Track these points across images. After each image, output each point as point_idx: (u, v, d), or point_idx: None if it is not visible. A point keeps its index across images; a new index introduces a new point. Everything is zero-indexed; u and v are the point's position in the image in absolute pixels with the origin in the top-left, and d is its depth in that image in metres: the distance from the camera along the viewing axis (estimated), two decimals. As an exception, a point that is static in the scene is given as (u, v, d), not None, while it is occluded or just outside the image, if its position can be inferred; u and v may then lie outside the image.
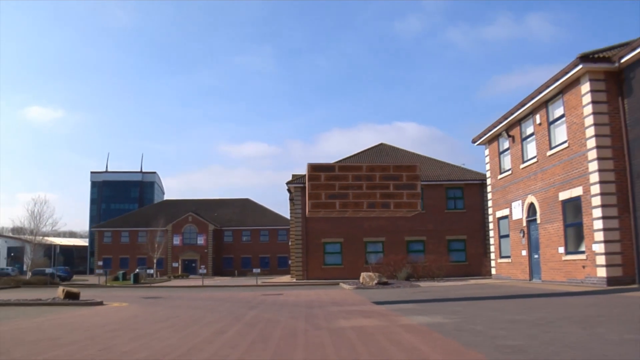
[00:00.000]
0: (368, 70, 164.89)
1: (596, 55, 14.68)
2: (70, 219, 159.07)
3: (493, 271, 22.47)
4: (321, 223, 33.67)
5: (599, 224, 14.29)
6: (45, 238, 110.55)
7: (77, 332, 7.50)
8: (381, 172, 9.43)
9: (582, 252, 15.21)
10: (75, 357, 5.16)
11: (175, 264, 69.55)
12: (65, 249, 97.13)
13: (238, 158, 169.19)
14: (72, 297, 13.06)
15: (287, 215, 53.34)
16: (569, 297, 11.31)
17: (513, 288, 15.77)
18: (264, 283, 29.96)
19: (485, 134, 22.20)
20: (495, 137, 21.63)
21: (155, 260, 52.09)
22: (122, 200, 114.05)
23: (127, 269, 58.66)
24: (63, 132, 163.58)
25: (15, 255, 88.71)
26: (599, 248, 14.27)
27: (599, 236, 14.26)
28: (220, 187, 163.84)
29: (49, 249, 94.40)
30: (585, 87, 14.82)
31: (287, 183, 37.41)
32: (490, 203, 22.76)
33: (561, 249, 16.38)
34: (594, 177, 14.50)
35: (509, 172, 20.53)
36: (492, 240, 22.71)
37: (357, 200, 9.00)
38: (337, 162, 39.84)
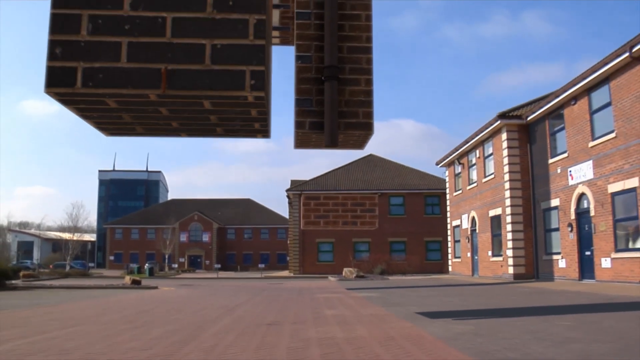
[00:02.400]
0: None
1: (510, 114, 20.38)
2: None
3: (450, 269, 28.25)
4: (315, 226, 39.48)
5: (510, 235, 20.01)
6: (54, 234, 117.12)
7: (171, 300, 13.14)
8: (352, 200, 15.28)
9: (501, 255, 20.95)
10: (192, 306, 10.75)
11: (182, 259, 75.29)
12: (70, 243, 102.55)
13: (235, 154, 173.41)
14: (136, 283, 18.74)
15: (286, 214, 59.12)
16: (473, 286, 17.02)
17: (449, 280, 21.51)
18: (267, 276, 35.67)
19: (445, 159, 27.90)
20: (452, 163, 27.34)
21: (166, 256, 57.78)
22: (128, 198, 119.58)
23: (137, 263, 64.28)
24: (60, 127, 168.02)
25: (25, 250, 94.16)
26: (510, 253, 19.99)
27: (510, 244, 19.98)
28: (219, 183, 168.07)
29: (59, 244, 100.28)
30: (504, 136, 20.50)
31: (287, 190, 43.16)
32: (448, 214, 28.50)
33: (490, 253, 22.12)
34: (508, 202, 20.21)
35: (460, 191, 26.25)
36: (449, 244, 28.46)
37: (335, 220, 14.80)
38: (330, 171, 45.61)
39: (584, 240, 16.71)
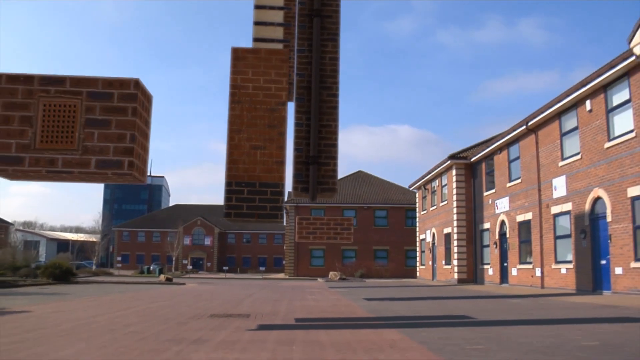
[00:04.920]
0: (361, 71, 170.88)
1: (459, 155, 26.41)
2: (74, 214, 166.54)
3: (417, 274, 34.25)
4: (308, 235, 45.53)
5: (456, 249, 26.02)
6: (58, 234, 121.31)
7: (205, 291, 19.04)
8: (334, 220, 21.02)
9: (450, 264, 26.95)
10: (223, 293, 16.61)
11: (185, 261, 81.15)
12: (76, 244, 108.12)
13: None
14: (169, 280, 24.61)
15: (282, 221, 65.13)
16: (420, 287, 22.99)
17: (411, 283, 27.49)
18: (266, 277, 41.58)
19: (416, 183, 33.94)
20: (421, 187, 33.38)
21: (174, 258, 63.64)
22: (132, 201, 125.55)
23: (143, 264, 70.02)
24: None
25: (31, 250, 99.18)
26: (456, 262, 25.99)
27: (456, 256, 25.99)
28: (214, 184, 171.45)
29: (65, 244, 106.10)
30: (453, 172, 26.52)
31: (285, 202, 49.06)
32: (417, 229, 34.52)
33: (443, 262, 28.12)
34: (455, 223, 26.22)
35: (426, 211, 32.29)
36: (417, 254, 34.46)
37: (320, 236, 20.46)
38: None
39: (503, 255, 22.71)
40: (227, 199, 8.67)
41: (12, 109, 3.25)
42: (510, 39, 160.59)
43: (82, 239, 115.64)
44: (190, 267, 59.41)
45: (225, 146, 8.34)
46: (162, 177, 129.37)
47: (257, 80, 8.76)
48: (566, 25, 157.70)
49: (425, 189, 32.04)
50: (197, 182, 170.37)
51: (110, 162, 3.36)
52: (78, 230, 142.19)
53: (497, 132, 26.26)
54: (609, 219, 15.12)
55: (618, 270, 14.58)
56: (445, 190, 28.37)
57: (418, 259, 34.25)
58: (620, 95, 14.96)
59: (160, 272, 52.13)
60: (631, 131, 14.21)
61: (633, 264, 13.92)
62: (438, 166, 28.06)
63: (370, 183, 53.13)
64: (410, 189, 35.26)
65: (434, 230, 30.28)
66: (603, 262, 15.52)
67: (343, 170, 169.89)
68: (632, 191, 14.08)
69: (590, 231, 16.16)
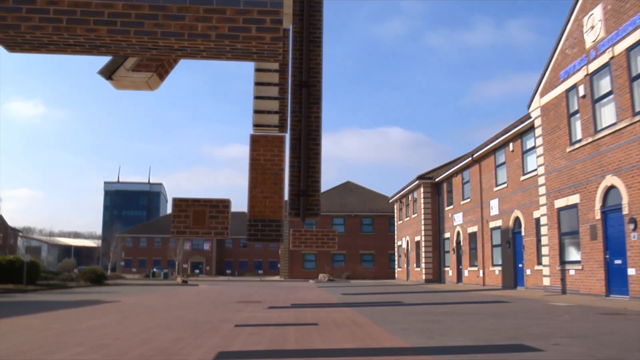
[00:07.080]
0: (351, 74, 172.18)
1: (426, 176, 31.68)
2: (67, 217, 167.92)
3: (396, 275, 39.48)
4: (301, 241, 50.69)
5: (423, 254, 31.27)
6: (57, 239, 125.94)
7: (220, 290, 24.13)
8: (322, 232, 26.06)
9: (420, 267, 32.21)
10: (236, 291, 21.68)
11: (185, 266, 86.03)
12: (76, 249, 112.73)
13: (222, 159, 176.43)
14: (185, 282, 29.62)
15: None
16: (390, 286, 28.21)
17: (387, 283, 32.73)
18: (263, 280, 46.66)
19: (394, 197, 39.19)
20: (398, 200, 38.64)
21: (177, 263, 68.57)
22: (131, 207, 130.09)
23: (146, 269, 74.85)
24: (46, 129, 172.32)
25: (35, 255, 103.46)
26: (423, 265, 31.24)
27: (424, 260, 31.24)
28: (207, 188, 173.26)
29: (65, 249, 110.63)
30: (421, 190, 31.78)
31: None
32: (395, 237, 39.77)
33: (415, 265, 33.37)
34: (422, 232, 31.47)
35: (402, 221, 37.55)
36: (395, 258, 39.69)
37: (310, 245, 25.51)
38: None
39: (459, 259, 27.95)
40: (249, 229, 13.64)
41: (186, 212, 8.43)
42: (500, 41, 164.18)
43: (87, 245, 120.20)
44: (197, 271, 64.26)
45: (247, 196, 13.20)
46: (160, 184, 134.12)
47: (266, 155, 13.78)
48: (554, 26, 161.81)
49: (401, 202, 37.29)
50: (191, 186, 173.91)
51: (219, 232, 8.57)
52: (77, 235, 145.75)
53: (490, 133, 30.93)
54: (523, 233, 20.38)
55: (528, 272, 19.84)
56: (415, 205, 33.61)
57: (396, 262, 39.49)
58: (530, 142, 20.23)
59: (165, 276, 56.97)
60: (534, 170, 19.47)
61: (536, 267, 19.18)
62: (409, 184, 33.32)
63: (357, 193, 58.24)
64: (390, 201, 40.52)
65: (407, 238, 35.51)
66: (520, 265, 20.78)
67: (333, 172, 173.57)
68: (536, 214, 19.33)
69: (513, 242, 21.42)
